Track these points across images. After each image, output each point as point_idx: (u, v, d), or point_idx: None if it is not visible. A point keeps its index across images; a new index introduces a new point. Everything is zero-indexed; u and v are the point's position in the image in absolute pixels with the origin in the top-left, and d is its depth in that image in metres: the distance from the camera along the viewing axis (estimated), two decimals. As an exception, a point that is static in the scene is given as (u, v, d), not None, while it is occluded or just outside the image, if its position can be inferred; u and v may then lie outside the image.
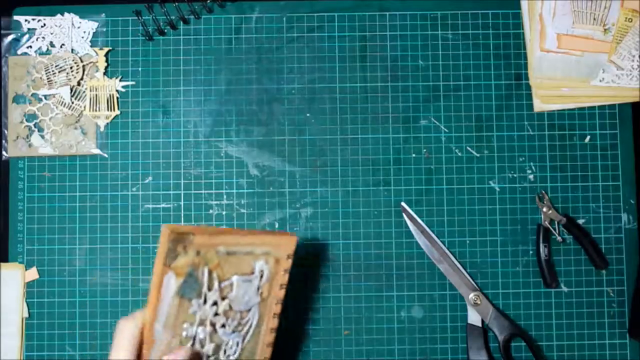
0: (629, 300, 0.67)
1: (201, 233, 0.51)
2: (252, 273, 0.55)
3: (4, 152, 0.67)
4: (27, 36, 0.68)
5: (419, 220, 0.67)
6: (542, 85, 0.68)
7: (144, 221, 0.67)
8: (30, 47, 0.68)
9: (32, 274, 0.66)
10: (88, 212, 0.67)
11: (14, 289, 0.66)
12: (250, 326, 0.57)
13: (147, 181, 0.68)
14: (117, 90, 0.68)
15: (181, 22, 0.69)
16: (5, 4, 0.69)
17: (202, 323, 0.53)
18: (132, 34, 0.69)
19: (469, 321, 0.65)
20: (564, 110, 0.69)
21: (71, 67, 0.68)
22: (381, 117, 0.69)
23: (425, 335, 0.66)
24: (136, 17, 0.68)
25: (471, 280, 0.66)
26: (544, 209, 0.67)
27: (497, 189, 0.68)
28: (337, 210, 0.67)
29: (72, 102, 0.68)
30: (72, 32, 0.69)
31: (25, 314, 0.66)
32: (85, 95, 0.68)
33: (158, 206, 0.67)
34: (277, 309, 0.58)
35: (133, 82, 0.69)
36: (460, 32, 0.69)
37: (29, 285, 0.66)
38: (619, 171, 0.68)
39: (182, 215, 0.67)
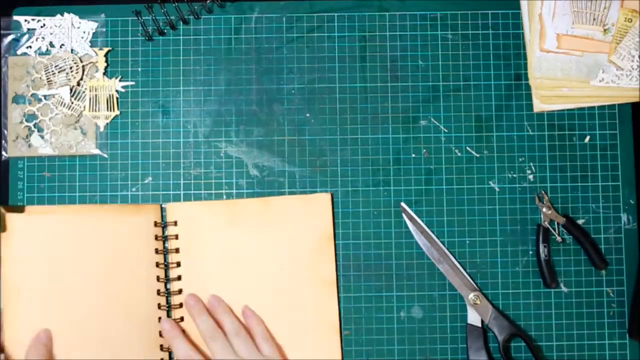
0: (629, 300, 0.67)
1: None
2: None
3: (3, 152, 0.67)
4: (26, 36, 0.68)
5: (418, 220, 0.67)
6: (541, 85, 0.68)
7: (144, 221, 0.67)
8: (30, 47, 0.68)
9: None
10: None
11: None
12: None
13: (147, 181, 0.68)
14: (116, 91, 0.68)
15: (181, 22, 0.69)
16: (5, 4, 0.69)
17: None
18: (132, 34, 0.69)
19: (469, 321, 0.65)
20: (563, 110, 0.69)
21: (71, 68, 0.68)
22: (381, 117, 0.69)
23: (425, 335, 0.66)
24: (136, 17, 0.67)
25: (471, 280, 0.66)
26: (544, 209, 0.67)
27: (497, 189, 0.68)
28: (337, 210, 0.67)
29: (72, 102, 0.68)
30: (72, 32, 0.69)
31: None
32: (85, 96, 0.68)
33: (158, 206, 0.67)
34: None
35: (133, 82, 0.69)
36: (460, 32, 0.69)
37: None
38: (618, 171, 0.68)
39: (182, 215, 0.67)
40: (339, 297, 0.66)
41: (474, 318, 0.65)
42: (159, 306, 0.64)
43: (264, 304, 0.65)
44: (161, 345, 0.64)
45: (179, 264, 0.65)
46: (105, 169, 0.68)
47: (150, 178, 0.68)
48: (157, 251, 0.65)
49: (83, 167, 0.68)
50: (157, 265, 0.65)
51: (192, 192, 0.67)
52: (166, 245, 0.66)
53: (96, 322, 0.63)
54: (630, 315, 0.67)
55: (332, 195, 0.67)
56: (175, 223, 0.65)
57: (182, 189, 0.68)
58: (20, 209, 0.63)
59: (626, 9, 0.68)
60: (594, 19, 0.68)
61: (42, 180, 0.67)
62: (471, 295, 0.65)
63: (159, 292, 0.64)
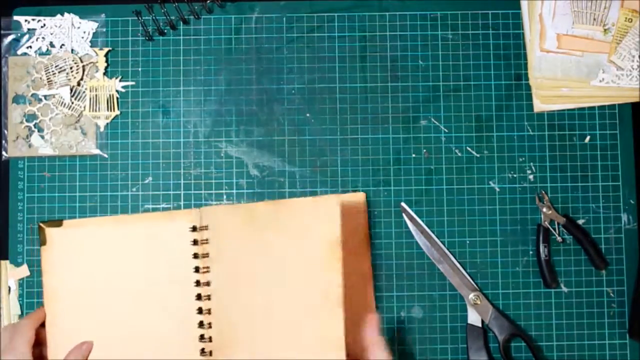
0: (629, 300, 0.67)
1: None
2: None
3: (4, 152, 0.67)
4: (27, 36, 0.68)
5: (419, 220, 0.67)
6: (542, 85, 0.68)
7: (144, 221, 0.67)
8: (30, 47, 0.68)
9: (23, 271, 0.66)
10: (88, 213, 0.67)
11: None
12: None
13: (147, 181, 0.68)
14: (117, 91, 0.68)
15: (181, 22, 0.69)
16: (5, 4, 0.69)
17: None
18: (132, 34, 0.69)
19: (469, 321, 0.65)
20: (564, 110, 0.69)
21: (71, 68, 0.68)
22: (381, 117, 0.69)
23: (425, 335, 0.66)
24: (136, 17, 0.68)
25: (471, 280, 0.66)
26: (544, 209, 0.67)
27: (497, 189, 0.68)
28: (337, 211, 0.67)
29: (72, 102, 0.68)
30: (72, 32, 0.69)
31: (18, 311, 0.66)
32: (85, 96, 0.68)
33: (158, 206, 0.67)
34: None
35: (133, 82, 0.69)
36: (460, 32, 0.69)
37: (28, 285, 0.66)
38: (619, 171, 0.68)
39: (182, 215, 0.67)
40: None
41: (474, 318, 0.65)
42: (201, 310, 0.63)
43: (296, 307, 0.61)
44: (202, 349, 0.63)
45: (208, 269, 0.64)
46: (105, 169, 0.68)
47: (150, 178, 0.68)
48: (195, 256, 0.64)
49: (83, 167, 0.68)
50: (198, 270, 0.64)
51: (192, 192, 0.67)
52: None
53: (136, 329, 0.63)
54: (630, 315, 0.67)
55: (365, 194, 0.67)
56: (207, 227, 0.64)
57: (182, 189, 0.68)
58: (58, 223, 0.65)
59: (626, 9, 0.68)
60: (594, 19, 0.68)
61: (42, 180, 0.67)
62: (471, 295, 0.65)
63: (199, 297, 0.63)
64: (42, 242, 0.64)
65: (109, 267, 0.64)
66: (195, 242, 0.64)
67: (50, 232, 0.65)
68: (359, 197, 0.66)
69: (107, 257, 0.64)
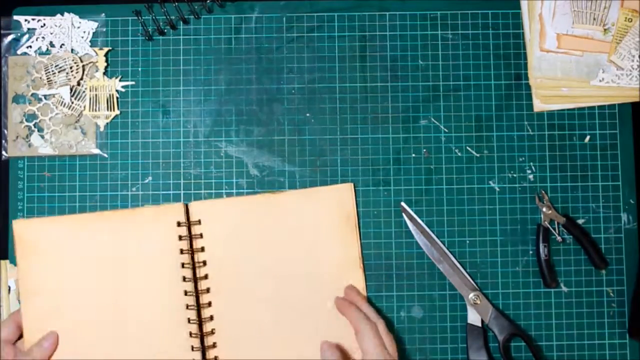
0: (629, 300, 0.67)
1: None
2: None
3: (4, 152, 0.67)
4: (27, 36, 0.68)
5: (419, 220, 0.67)
6: (542, 85, 0.68)
7: (144, 221, 0.67)
8: (30, 47, 0.68)
9: None
10: (88, 212, 0.67)
11: None
12: None
13: (147, 181, 0.68)
14: (116, 90, 0.68)
15: (181, 22, 0.69)
16: (5, 4, 0.69)
17: None
18: (132, 34, 0.69)
19: (469, 321, 0.65)
20: (563, 110, 0.69)
21: (71, 67, 0.68)
22: (381, 117, 0.69)
23: (425, 335, 0.66)
24: (136, 17, 0.68)
25: (471, 280, 0.66)
26: (544, 209, 0.67)
27: (497, 189, 0.68)
28: (337, 210, 0.67)
29: (72, 102, 0.68)
30: (72, 32, 0.69)
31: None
32: (85, 95, 0.68)
33: (158, 206, 0.67)
34: None
35: (133, 82, 0.69)
36: (460, 32, 0.69)
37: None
38: (619, 171, 0.68)
39: (182, 215, 0.67)
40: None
41: (474, 318, 0.65)
42: (187, 306, 0.63)
43: (294, 295, 0.65)
44: (192, 346, 0.63)
45: (205, 263, 0.64)
46: (105, 169, 0.68)
47: (150, 178, 0.68)
48: (182, 251, 0.64)
49: (83, 167, 0.68)
50: (183, 265, 0.64)
51: (192, 192, 0.67)
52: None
53: (125, 325, 0.63)
54: (630, 315, 0.67)
55: (353, 184, 0.67)
56: (199, 222, 0.65)
57: (182, 189, 0.68)
58: (32, 222, 0.64)
59: (626, 8, 0.68)
60: (594, 19, 0.68)
61: (42, 180, 0.67)
62: (471, 295, 0.65)
63: (186, 293, 0.64)
64: (16, 241, 0.63)
65: (93, 264, 0.63)
66: (180, 238, 0.64)
67: (24, 230, 0.63)
68: (347, 187, 0.67)
69: (91, 254, 0.63)
